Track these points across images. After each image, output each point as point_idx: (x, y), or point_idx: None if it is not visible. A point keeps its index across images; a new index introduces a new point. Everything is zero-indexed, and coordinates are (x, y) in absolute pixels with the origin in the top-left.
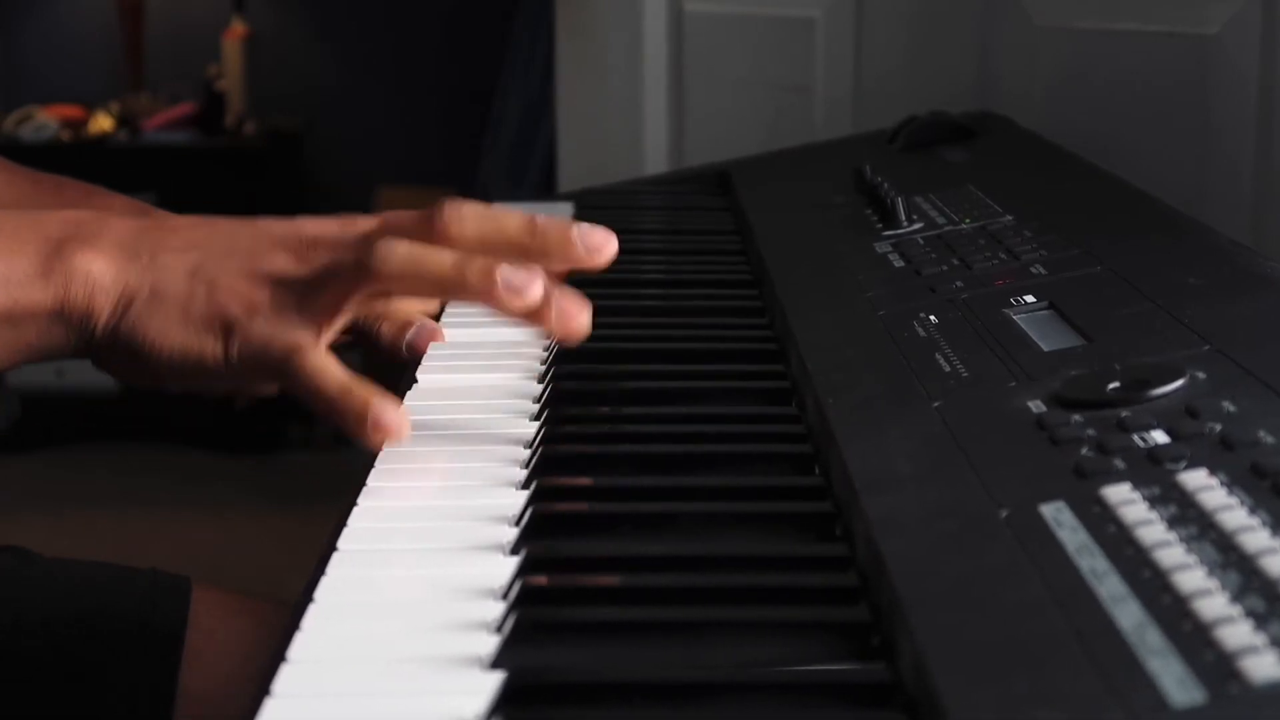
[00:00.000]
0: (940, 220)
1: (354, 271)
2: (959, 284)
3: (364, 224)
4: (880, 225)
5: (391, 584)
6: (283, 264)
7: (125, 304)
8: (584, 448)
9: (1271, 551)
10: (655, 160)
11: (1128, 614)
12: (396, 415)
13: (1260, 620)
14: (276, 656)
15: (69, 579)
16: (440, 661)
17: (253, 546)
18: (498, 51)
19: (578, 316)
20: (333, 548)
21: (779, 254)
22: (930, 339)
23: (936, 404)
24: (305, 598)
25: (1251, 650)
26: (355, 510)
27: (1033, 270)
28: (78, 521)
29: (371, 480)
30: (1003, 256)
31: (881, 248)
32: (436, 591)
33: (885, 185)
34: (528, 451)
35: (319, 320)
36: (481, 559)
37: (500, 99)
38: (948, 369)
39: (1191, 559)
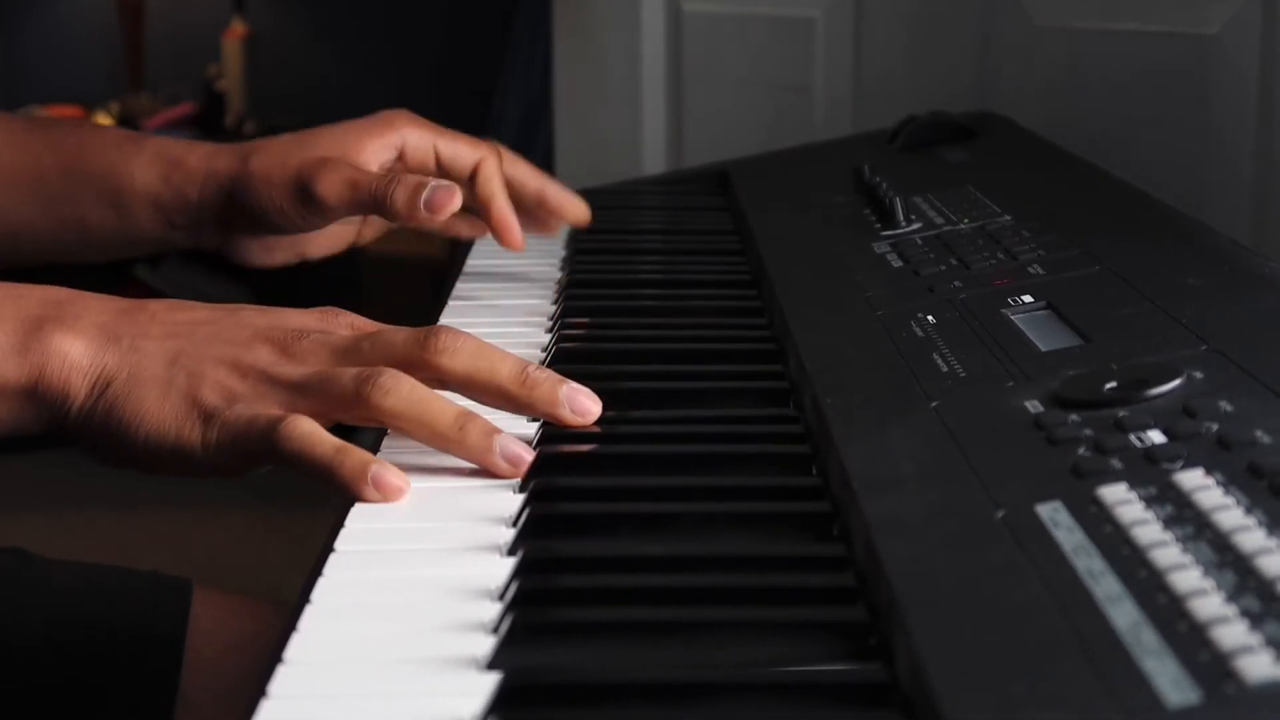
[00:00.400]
0: (939, 220)
1: (348, 398)
2: (957, 284)
3: (345, 321)
4: (879, 225)
5: (388, 585)
6: (266, 358)
7: (102, 387)
8: (582, 448)
9: (1267, 551)
10: (654, 160)
11: (1124, 614)
12: (396, 475)
13: (1256, 620)
14: (273, 657)
15: (70, 581)
16: (437, 662)
17: (252, 547)
18: (497, 51)
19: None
20: (330, 549)
21: (778, 254)
22: (928, 339)
23: (934, 404)
24: (302, 599)
25: (1247, 650)
26: (352, 511)
27: (1031, 270)
28: (77, 522)
29: None
30: (1001, 256)
31: (880, 248)
32: (433, 592)
33: (884, 185)
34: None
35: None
36: (479, 560)
37: (500, 99)
38: (946, 369)
39: (1187, 559)
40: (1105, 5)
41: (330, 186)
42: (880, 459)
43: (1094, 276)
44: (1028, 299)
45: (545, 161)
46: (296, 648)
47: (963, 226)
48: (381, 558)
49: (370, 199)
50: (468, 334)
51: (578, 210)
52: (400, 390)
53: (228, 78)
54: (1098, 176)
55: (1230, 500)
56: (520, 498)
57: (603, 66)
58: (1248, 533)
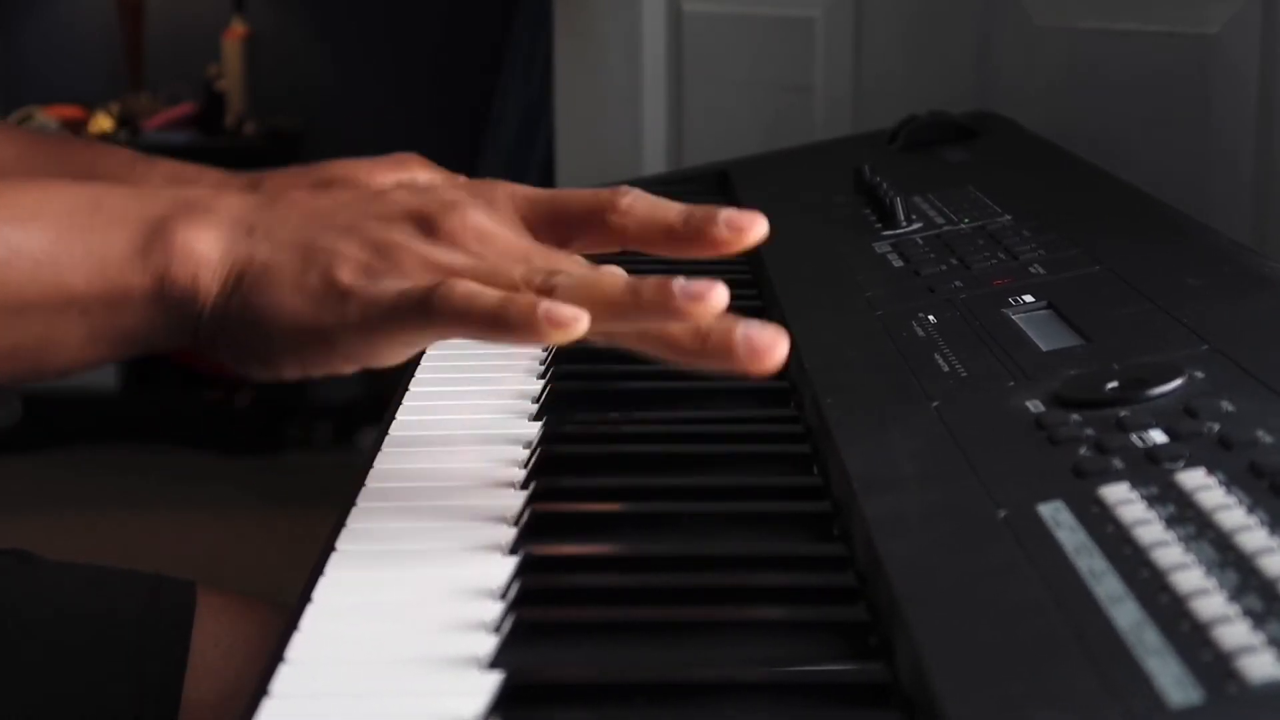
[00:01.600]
0: (939, 220)
1: (519, 286)
2: (958, 284)
3: (505, 190)
4: (879, 225)
5: (390, 584)
6: (412, 238)
7: (235, 280)
8: (583, 448)
9: (1269, 551)
10: (654, 160)
11: (1126, 614)
12: (567, 307)
13: (1258, 619)
14: (275, 657)
15: (72, 582)
16: (439, 662)
17: (253, 547)
18: (497, 52)
19: (773, 348)
20: (331, 548)
21: (778, 254)
22: (929, 339)
23: (935, 404)
24: (303, 598)
25: (1249, 650)
26: (354, 510)
27: (1032, 270)
28: (78, 522)
29: (370, 481)
30: (1002, 256)
31: (881, 248)
32: (435, 592)
33: (884, 185)
34: (527, 451)
35: None
36: (480, 559)
37: (500, 99)
38: (946, 369)
39: (1189, 558)
40: (1105, 5)
41: None
42: (881, 459)
43: (1094, 276)
44: (1028, 299)
45: (545, 161)
46: (298, 647)
47: (963, 226)
48: (383, 557)
49: None
50: (635, 190)
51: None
52: (567, 279)
53: (228, 78)
54: (1098, 176)
55: (1232, 500)
56: (522, 497)
57: (603, 66)
58: (1249, 532)
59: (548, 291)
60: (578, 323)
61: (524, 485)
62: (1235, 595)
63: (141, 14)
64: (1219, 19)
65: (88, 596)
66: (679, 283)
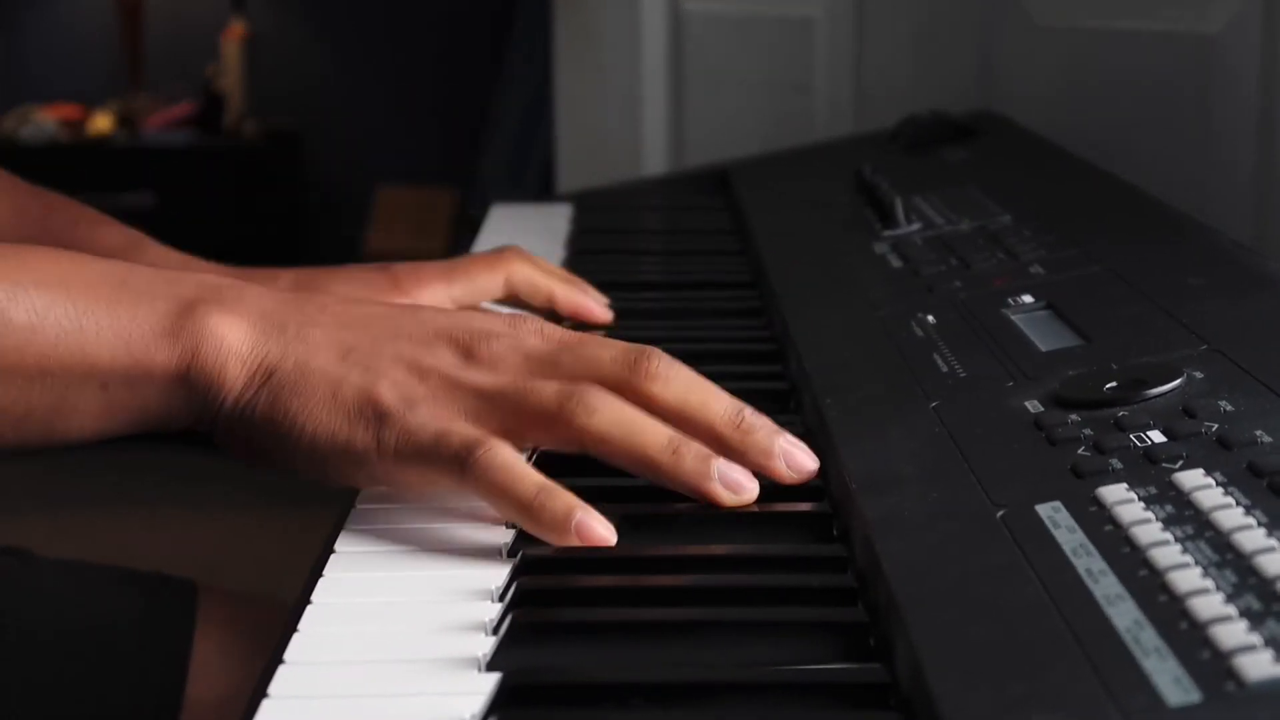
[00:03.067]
0: (939, 220)
1: (547, 415)
2: (958, 284)
3: (534, 328)
4: (879, 225)
5: (388, 585)
6: (450, 360)
7: (264, 377)
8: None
9: (1267, 550)
10: (654, 160)
11: (1124, 613)
12: (602, 524)
13: (1256, 619)
14: (274, 658)
15: (73, 582)
16: (437, 663)
17: (253, 547)
18: (497, 51)
19: (742, 490)
20: (330, 550)
21: (778, 254)
22: (928, 339)
23: (934, 404)
24: (302, 599)
25: (1247, 649)
26: (352, 512)
27: (1031, 270)
28: (78, 522)
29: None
30: (1001, 256)
31: (880, 248)
32: (433, 593)
33: (884, 185)
34: (526, 452)
35: (491, 432)
36: (479, 560)
37: (499, 99)
38: (946, 369)
39: (1187, 558)
40: (1105, 5)
41: None
42: (880, 459)
43: (1094, 276)
44: (1028, 299)
45: (545, 161)
46: (297, 648)
47: (963, 226)
48: (381, 558)
49: None
50: (679, 362)
51: (596, 315)
52: (608, 410)
53: (227, 77)
54: (1098, 176)
55: (1230, 500)
56: None
57: (603, 66)
58: (1248, 532)
59: (588, 414)
60: (607, 543)
61: None
62: (1233, 595)
63: (141, 14)
64: (1219, 19)
65: (89, 596)
66: (721, 464)
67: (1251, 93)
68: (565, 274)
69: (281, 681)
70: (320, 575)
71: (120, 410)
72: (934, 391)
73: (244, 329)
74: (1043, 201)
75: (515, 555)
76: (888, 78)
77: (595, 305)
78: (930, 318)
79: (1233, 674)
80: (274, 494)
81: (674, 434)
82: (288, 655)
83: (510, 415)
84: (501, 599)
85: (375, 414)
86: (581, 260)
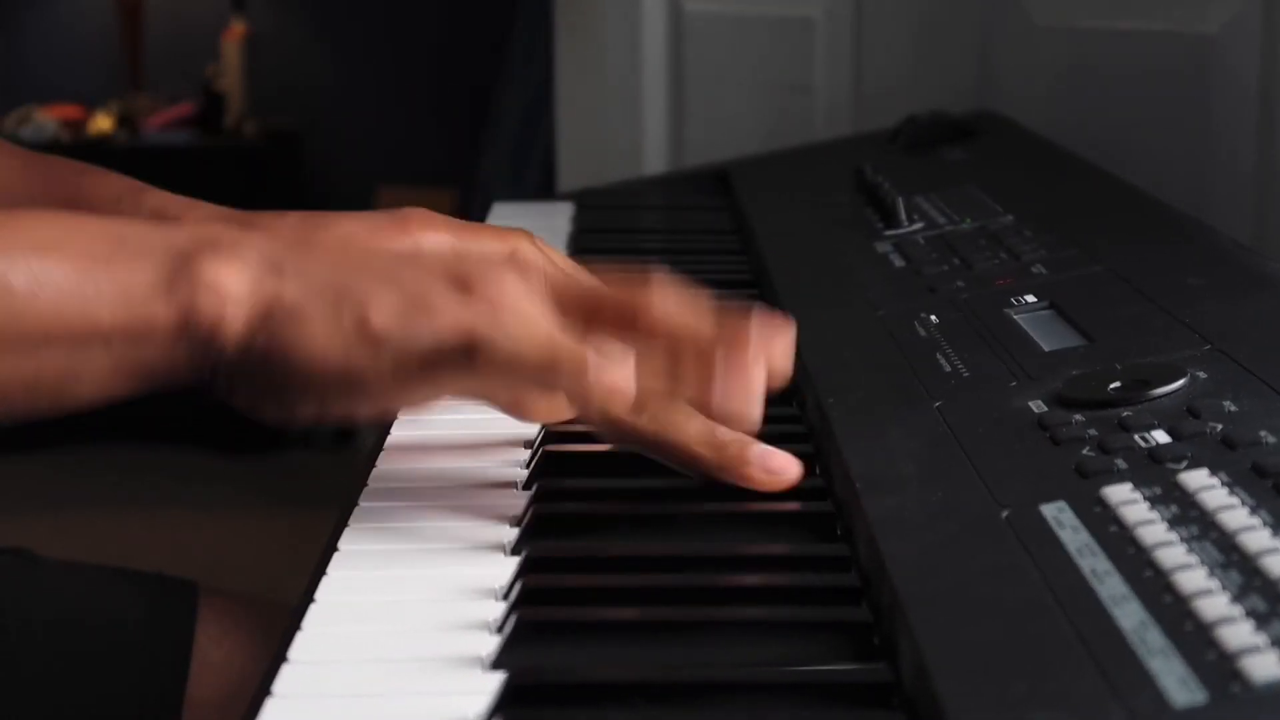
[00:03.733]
0: (941, 220)
1: (564, 371)
2: (960, 284)
3: (530, 255)
4: (881, 225)
5: (392, 584)
6: (444, 293)
7: (261, 316)
8: (584, 448)
9: (1272, 551)
10: (655, 160)
11: (1129, 614)
12: (621, 372)
13: (1261, 620)
14: (277, 657)
15: (75, 582)
16: (441, 662)
17: (253, 546)
18: (497, 51)
19: (786, 471)
20: (333, 548)
21: (779, 254)
22: (931, 339)
23: (937, 404)
24: (306, 598)
25: (1253, 650)
26: (356, 510)
27: (1033, 270)
28: (78, 522)
29: (372, 480)
30: (1003, 256)
31: (882, 247)
32: (437, 592)
33: (886, 185)
34: (529, 452)
35: None
36: (483, 559)
37: (499, 98)
38: (948, 369)
39: (1193, 559)
40: (1105, 5)
41: None
42: (883, 459)
43: (1096, 276)
44: (1030, 299)
45: (545, 161)
46: (300, 647)
47: (964, 226)
48: (385, 557)
49: None
50: (672, 283)
51: None
52: (623, 375)
53: (227, 77)
54: (1098, 176)
55: (1235, 500)
56: (524, 498)
57: (603, 66)
58: (1253, 532)
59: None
60: (627, 395)
61: (526, 485)
62: (1238, 596)
63: (141, 14)
64: (1219, 19)
65: (90, 596)
66: (756, 452)
67: (1251, 93)
68: (570, 262)
69: (286, 680)
70: (324, 574)
71: (126, 369)
72: (937, 391)
73: (239, 274)
74: (1044, 201)
75: (519, 554)
76: (887, 78)
77: None
78: (933, 317)
79: (1238, 675)
80: (274, 494)
81: (710, 434)
82: (292, 654)
83: (524, 361)
84: (505, 598)
85: (371, 338)
86: (582, 259)
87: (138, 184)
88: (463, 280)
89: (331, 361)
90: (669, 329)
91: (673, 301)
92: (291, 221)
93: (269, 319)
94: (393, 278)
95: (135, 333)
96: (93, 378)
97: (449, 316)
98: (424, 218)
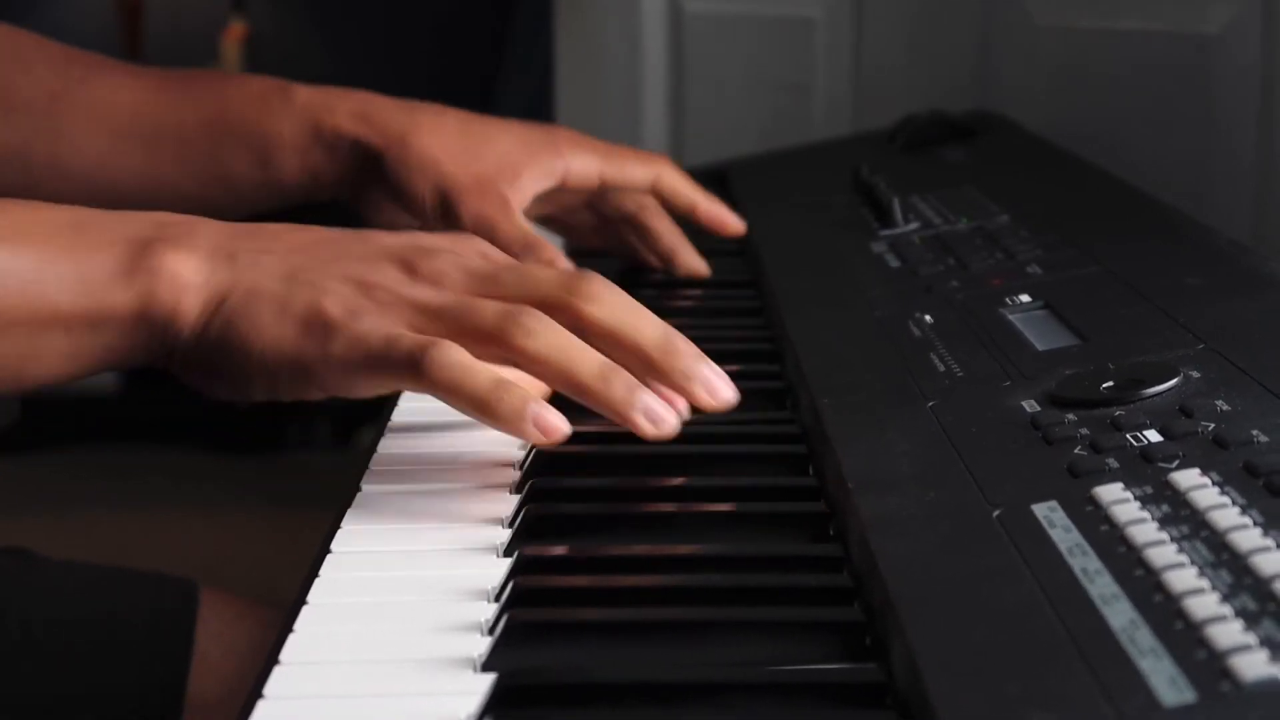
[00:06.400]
0: (937, 220)
1: (485, 332)
2: (955, 284)
3: (478, 249)
4: (877, 225)
5: (384, 586)
6: (394, 276)
7: (216, 304)
8: (578, 448)
9: (1263, 550)
10: None
11: (1119, 613)
12: (557, 416)
13: (1251, 619)
14: (269, 658)
15: (75, 582)
16: (433, 663)
17: (252, 547)
18: (497, 51)
19: (663, 420)
20: (326, 550)
21: (776, 254)
22: (926, 339)
23: (931, 404)
24: (298, 599)
25: (1243, 649)
26: (349, 512)
27: (1029, 270)
28: (78, 522)
29: (365, 483)
30: (999, 256)
31: (878, 248)
32: (429, 593)
33: (882, 185)
34: (522, 453)
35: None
36: (474, 560)
37: (500, 98)
38: (943, 369)
39: (1183, 558)
40: (1105, 5)
41: (473, 218)
42: (877, 459)
43: (1092, 276)
44: (1025, 298)
45: None
46: (292, 649)
47: (961, 226)
48: (377, 559)
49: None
50: (615, 286)
51: (731, 226)
52: (546, 333)
53: None
54: (1098, 176)
55: (1226, 499)
56: (516, 499)
57: (603, 66)
58: (1244, 532)
59: (526, 335)
60: (561, 433)
61: (519, 487)
62: (1229, 595)
63: (141, 14)
64: (1219, 19)
65: (90, 595)
66: (646, 395)
67: (1251, 93)
68: (705, 191)
69: (277, 682)
70: (316, 575)
71: (85, 352)
72: (931, 391)
73: (196, 262)
74: (1041, 201)
75: (511, 555)
76: (887, 78)
77: (732, 218)
78: (928, 317)
79: (1228, 674)
80: (274, 494)
81: (605, 361)
82: (283, 656)
83: (452, 330)
84: (497, 599)
85: (322, 325)
86: (581, 259)
87: (282, 82)
88: (408, 262)
89: (283, 347)
90: (606, 331)
91: (610, 304)
92: (451, 123)
93: (223, 307)
94: (343, 263)
95: (94, 319)
96: (51, 360)
97: (391, 308)
98: (573, 139)
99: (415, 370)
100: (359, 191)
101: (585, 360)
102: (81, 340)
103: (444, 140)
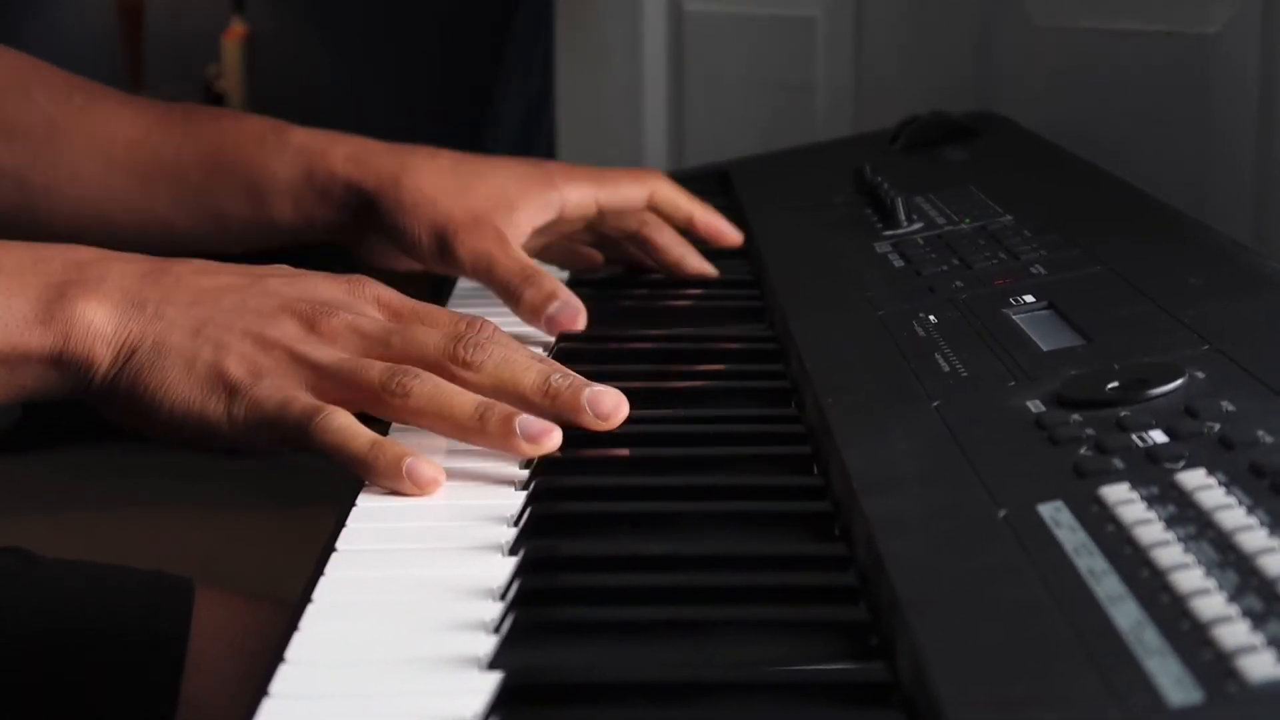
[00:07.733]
0: (940, 220)
1: (371, 395)
2: (959, 284)
3: (372, 295)
4: (880, 225)
5: (390, 584)
6: (292, 333)
7: (126, 355)
8: (583, 448)
9: (1269, 551)
10: (655, 160)
11: (1126, 614)
12: (430, 466)
13: (1258, 619)
14: (274, 657)
15: (71, 581)
16: (438, 662)
17: (253, 546)
18: (497, 51)
19: (544, 437)
20: (331, 548)
21: (779, 254)
22: (930, 339)
23: (936, 404)
24: (303, 598)
25: (1249, 649)
26: (354, 510)
27: (1032, 270)
28: (78, 522)
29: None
30: (1002, 256)
31: (881, 248)
32: (435, 592)
33: (885, 185)
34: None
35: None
36: (480, 559)
37: (500, 98)
38: (947, 369)
39: (1189, 558)
40: (1105, 5)
41: (470, 254)
42: (881, 459)
43: (1095, 276)
44: (1029, 299)
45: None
46: (298, 647)
47: (964, 226)
48: (383, 557)
49: (503, 288)
50: (496, 341)
51: (728, 237)
52: (420, 392)
53: (227, 78)
54: (1098, 176)
55: (1232, 500)
56: (521, 497)
57: (603, 66)
58: (1250, 532)
59: (404, 396)
60: (436, 484)
61: (524, 485)
62: (1235, 595)
63: (141, 14)
64: (1219, 19)
65: (86, 594)
66: (522, 420)
67: (1251, 93)
68: (701, 202)
69: (283, 680)
70: (322, 574)
71: (1, 388)
72: (935, 391)
73: (108, 311)
74: (1043, 201)
75: (517, 554)
76: (887, 78)
77: (729, 230)
78: (931, 317)
79: (1235, 675)
80: (274, 494)
81: (480, 401)
82: (289, 654)
83: (344, 389)
84: (503, 598)
85: (225, 387)
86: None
87: (279, 123)
88: (305, 317)
89: (189, 404)
90: (486, 390)
91: (486, 365)
92: (444, 163)
93: (133, 359)
94: (243, 319)
95: (11, 359)
96: None
97: (286, 368)
98: (566, 172)
99: (304, 434)
100: (355, 235)
101: (459, 409)
102: None
103: (437, 179)
